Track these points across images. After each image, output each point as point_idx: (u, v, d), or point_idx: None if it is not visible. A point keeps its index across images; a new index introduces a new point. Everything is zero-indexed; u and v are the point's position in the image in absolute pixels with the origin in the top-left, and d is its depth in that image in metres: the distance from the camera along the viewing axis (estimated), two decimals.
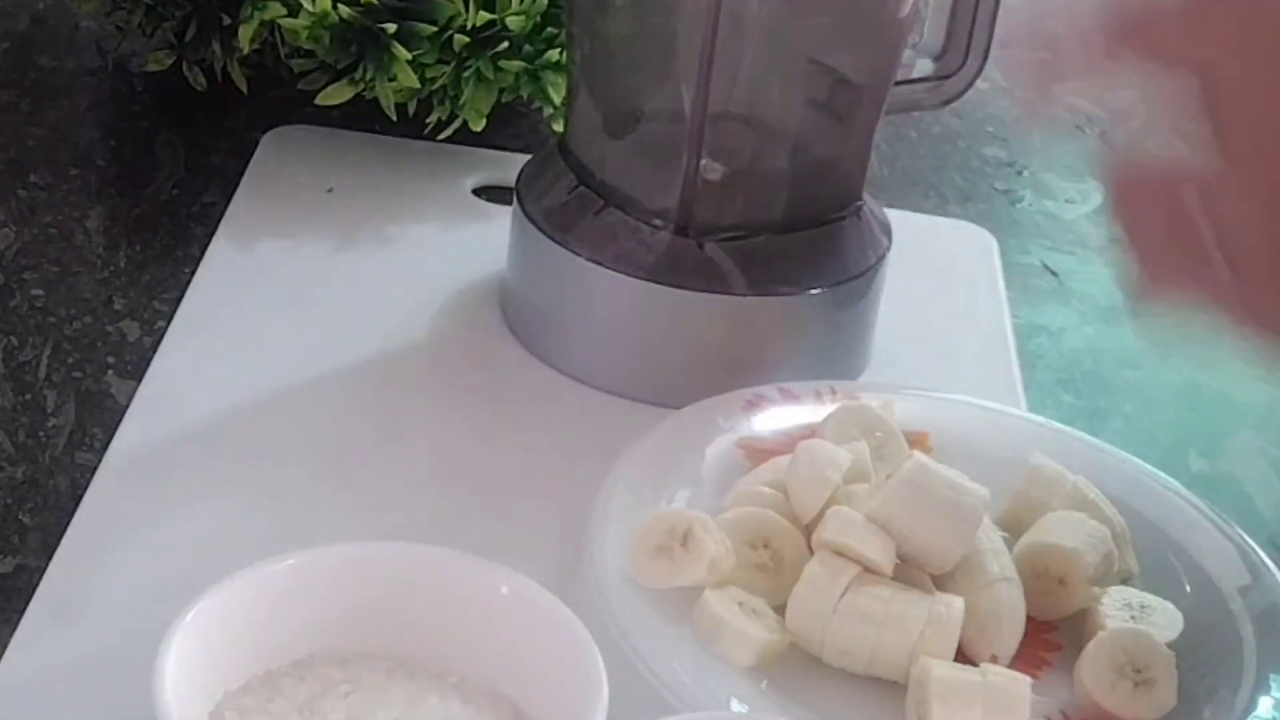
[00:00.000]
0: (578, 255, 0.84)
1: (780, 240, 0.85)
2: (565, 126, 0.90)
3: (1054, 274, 1.04)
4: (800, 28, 0.83)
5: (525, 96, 0.98)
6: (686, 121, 0.82)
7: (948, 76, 0.91)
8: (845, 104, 0.86)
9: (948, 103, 0.93)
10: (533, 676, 0.62)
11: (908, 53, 0.89)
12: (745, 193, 0.86)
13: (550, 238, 0.85)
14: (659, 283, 0.83)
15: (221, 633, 0.60)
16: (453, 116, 0.97)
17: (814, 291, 0.85)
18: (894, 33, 0.85)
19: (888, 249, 0.87)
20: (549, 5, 0.95)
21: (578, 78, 0.88)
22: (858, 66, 0.85)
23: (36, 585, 0.70)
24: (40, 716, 0.65)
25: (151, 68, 1.03)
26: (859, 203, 0.87)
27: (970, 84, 0.91)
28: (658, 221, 0.84)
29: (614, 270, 0.84)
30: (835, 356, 0.87)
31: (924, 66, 0.91)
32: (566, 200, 0.86)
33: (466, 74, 0.95)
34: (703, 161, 0.83)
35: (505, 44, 0.95)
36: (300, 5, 0.95)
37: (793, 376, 0.82)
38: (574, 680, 0.60)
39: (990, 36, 0.90)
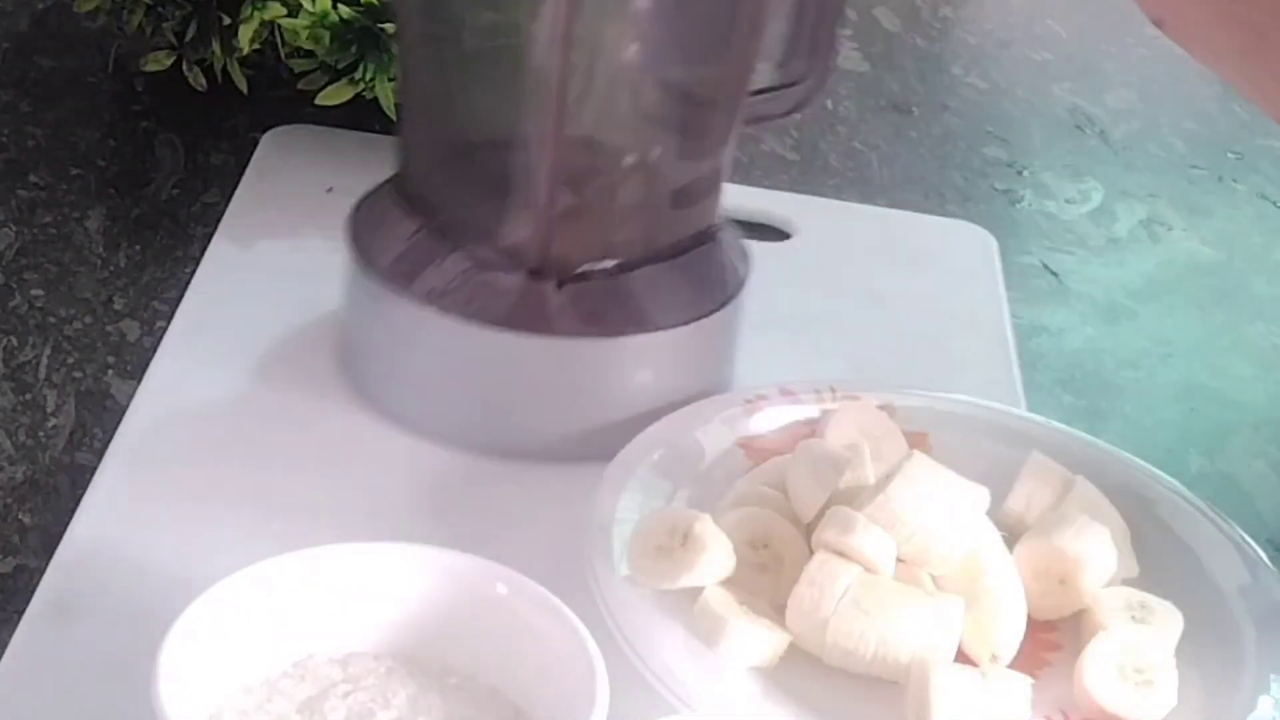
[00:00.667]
0: (426, 306, 0.78)
1: (641, 274, 0.80)
2: (400, 161, 0.83)
3: (1054, 274, 1.04)
4: (649, 45, 0.78)
5: None
6: (541, 153, 0.76)
7: (793, 84, 0.86)
8: (698, 123, 0.82)
9: (794, 111, 0.87)
10: (533, 676, 0.62)
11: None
12: (601, 225, 0.80)
13: (394, 289, 0.78)
14: (517, 330, 0.77)
15: (221, 633, 0.60)
16: None
17: (680, 327, 0.80)
18: (745, 46, 0.80)
19: (747, 275, 0.83)
20: None
21: (411, 106, 0.81)
22: (709, 83, 0.81)
23: (36, 585, 0.70)
24: (40, 716, 0.65)
25: (151, 68, 1.03)
26: (716, 225, 0.83)
27: (818, 89, 0.86)
28: (510, 263, 0.78)
29: (468, 321, 0.77)
30: (703, 383, 0.82)
31: (768, 75, 0.85)
32: (409, 245, 0.79)
33: None
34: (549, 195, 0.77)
35: None
36: (300, 5, 0.95)
37: (658, 409, 0.79)
38: (574, 680, 0.60)
39: (834, 38, 0.86)
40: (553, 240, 0.77)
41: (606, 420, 0.79)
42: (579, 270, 0.78)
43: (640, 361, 0.80)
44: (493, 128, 0.81)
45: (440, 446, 0.79)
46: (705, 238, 0.82)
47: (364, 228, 0.81)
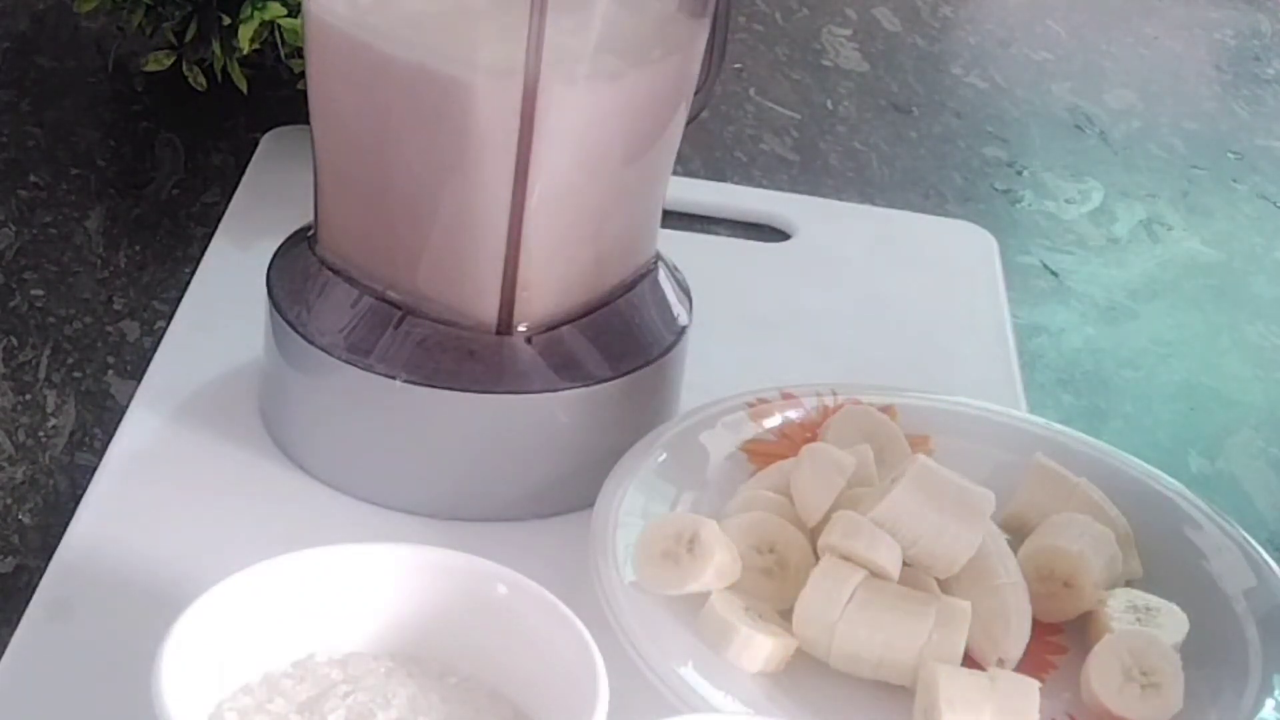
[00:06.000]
0: (391, 379, 0.74)
1: (596, 318, 0.77)
2: (317, 223, 0.78)
3: (1054, 274, 1.04)
4: (612, 98, 0.74)
5: None
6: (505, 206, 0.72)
7: (696, 91, 0.80)
8: (651, 159, 0.78)
9: (697, 116, 0.82)
10: (533, 676, 0.62)
11: None
12: (558, 273, 0.76)
13: (350, 363, 0.74)
14: (495, 392, 0.74)
15: (221, 632, 0.60)
16: None
17: (633, 373, 0.77)
18: (688, 77, 0.77)
19: (690, 308, 0.81)
20: None
21: (326, 162, 0.76)
22: (655, 125, 0.77)
23: (36, 585, 0.70)
24: (40, 716, 0.65)
25: (151, 68, 1.03)
26: (655, 254, 0.81)
27: (709, 95, 0.84)
28: (473, 323, 0.74)
29: (438, 388, 0.73)
30: (660, 416, 0.80)
31: None
32: (356, 316, 0.75)
33: None
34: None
35: None
36: (300, 5, 0.94)
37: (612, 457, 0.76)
38: (574, 680, 0.60)
39: (724, 45, 0.83)
40: (517, 298, 0.74)
41: (577, 469, 0.76)
42: (547, 323, 0.75)
43: (606, 406, 0.77)
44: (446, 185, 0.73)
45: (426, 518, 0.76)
46: (649, 267, 0.81)
47: (294, 302, 0.77)
